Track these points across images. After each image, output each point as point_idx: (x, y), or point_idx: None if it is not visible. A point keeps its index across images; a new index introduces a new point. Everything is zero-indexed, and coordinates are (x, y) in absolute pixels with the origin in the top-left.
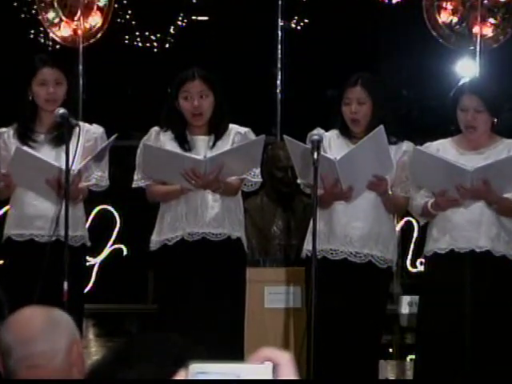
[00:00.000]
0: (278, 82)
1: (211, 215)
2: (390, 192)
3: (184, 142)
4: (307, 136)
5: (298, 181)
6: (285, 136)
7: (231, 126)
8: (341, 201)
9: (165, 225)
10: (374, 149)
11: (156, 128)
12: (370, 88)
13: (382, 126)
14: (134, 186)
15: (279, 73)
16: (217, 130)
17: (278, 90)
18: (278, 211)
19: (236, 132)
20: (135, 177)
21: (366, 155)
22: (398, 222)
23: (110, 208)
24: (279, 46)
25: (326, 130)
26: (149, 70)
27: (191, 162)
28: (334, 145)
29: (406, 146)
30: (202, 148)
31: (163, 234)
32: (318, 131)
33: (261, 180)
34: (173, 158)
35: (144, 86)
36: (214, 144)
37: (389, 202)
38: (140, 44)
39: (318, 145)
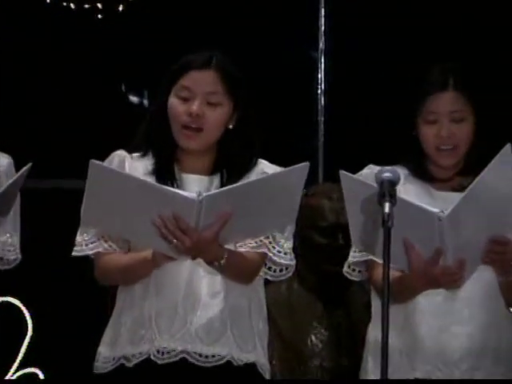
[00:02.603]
0: (320, 75)
1: (202, 320)
2: None
3: (167, 179)
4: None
5: (352, 257)
6: (342, 172)
7: (259, 161)
8: (441, 287)
9: (122, 331)
10: (495, 186)
11: (121, 152)
12: (471, 92)
13: (509, 145)
14: (74, 254)
15: (321, 59)
16: (230, 167)
17: (318, 91)
18: (320, 308)
19: (261, 172)
20: (78, 238)
21: (485, 200)
22: None
23: (16, 302)
24: (322, 20)
25: (390, 165)
26: (90, 52)
27: (174, 203)
28: (404, 191)
29: None
30: None
31: (118, 347)
32: (368, 167)
33: (292, 263)
34: (141, 191)
35: (82, 82)
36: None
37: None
38: (73, 6)
39: (391, 190)
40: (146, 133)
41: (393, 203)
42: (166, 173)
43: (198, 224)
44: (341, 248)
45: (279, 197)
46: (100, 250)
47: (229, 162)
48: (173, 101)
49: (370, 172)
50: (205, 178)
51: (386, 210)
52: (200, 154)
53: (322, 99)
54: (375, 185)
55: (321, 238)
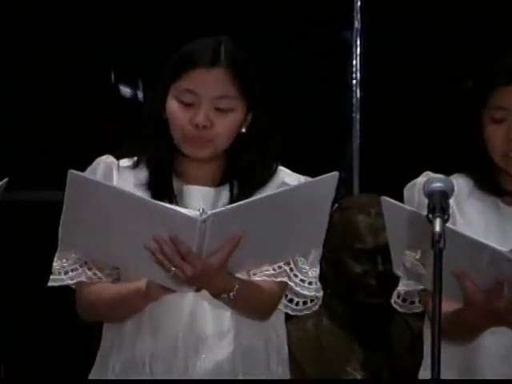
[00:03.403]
0: (355, 61)
1: (207, 365)
2: None
3: (164, 193)
4: (408, 187)
5: (404, 285)
6: (383, 198)
7: (279, 170)
8: (505, 325)
9: (109, 378)
10: None
11: (107, 158)
12: None
13: None
14: (51, 284)
15: (356, 42)
16: (242, 176)
17: (353, 81)
18: (355, 350)
19: (280, 182)
20: (56, 264)
21: None
22: None
23: None
24: None
25: (447, 174)
26: (71, 38)
27: (172, 223)
28: (466, 205)
29: None
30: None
31: None
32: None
33: (318, 294)
34: (132, 208)
35: (61, 72)
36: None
37: None
38: None
39: (443, 203)
40: (140, 137)
41: (445, 220)
42: (163, 185)
43: (201, 248)
44: (380, 275)
45: (302, 214)
46: (83, 279)
47: (241, 170)
48: (173, 105)
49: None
50: (211, 190)
51: (437, 228)
52: (205, 161)
53: (358, 91)
54: (424, 212)
55: (356, 263)
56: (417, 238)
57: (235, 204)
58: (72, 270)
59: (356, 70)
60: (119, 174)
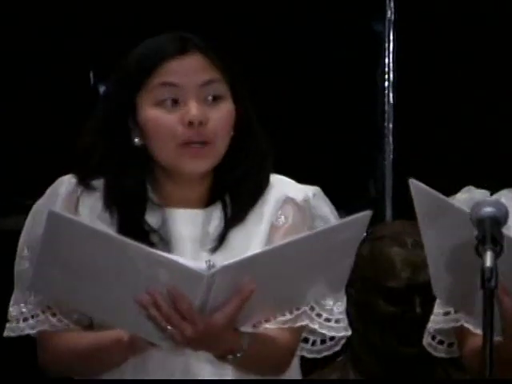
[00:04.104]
0: (388, 59)
1: None
2: None
3: (139, 223)
4: None
5: (434, 322)
6: (411, 180)
7: (273, 179)
8: None
9: None
10: None
11: (70, 178)
12: None
13: None
14: (7, 334)
15: (389, 35)
16: (236, 192)
17: (385, 83)
18: None
19: (283, 199)
20: (11, 308)
21: None
22: None
23: None
24: None
25: (493, 190)
26: (44, 29)
27: (174, 276)
28: None
29: None
30: (187, 241)
31: None
32: (470, 194)
33: (347, 333)
34: (123, 256)
35: (30, 71)
36: (223, 233)
37: None
38: None
39: (495, 231)
40: (106, 164)
41: (497, 252)
42: (137, 209)
43: (205, 302)
44: (417, 319)
45: (326, 258)
46: (45, 327)
47: (233, 184)
48: (152, 113)
49: (468, 197)
50: (199, 213)
51: (488, 263)
52: (196, 180)
53: (391, 95)
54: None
55: (389, 305)
56: (457, 236)
57: (250, 255)
58: (33, 317)
59: (388, 70)
60: (86, 196)
